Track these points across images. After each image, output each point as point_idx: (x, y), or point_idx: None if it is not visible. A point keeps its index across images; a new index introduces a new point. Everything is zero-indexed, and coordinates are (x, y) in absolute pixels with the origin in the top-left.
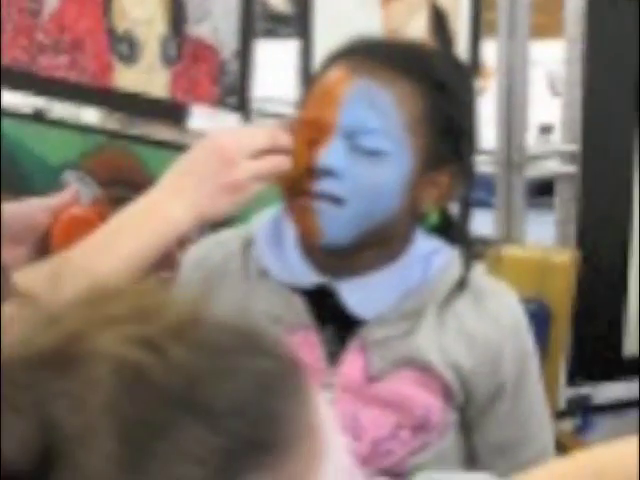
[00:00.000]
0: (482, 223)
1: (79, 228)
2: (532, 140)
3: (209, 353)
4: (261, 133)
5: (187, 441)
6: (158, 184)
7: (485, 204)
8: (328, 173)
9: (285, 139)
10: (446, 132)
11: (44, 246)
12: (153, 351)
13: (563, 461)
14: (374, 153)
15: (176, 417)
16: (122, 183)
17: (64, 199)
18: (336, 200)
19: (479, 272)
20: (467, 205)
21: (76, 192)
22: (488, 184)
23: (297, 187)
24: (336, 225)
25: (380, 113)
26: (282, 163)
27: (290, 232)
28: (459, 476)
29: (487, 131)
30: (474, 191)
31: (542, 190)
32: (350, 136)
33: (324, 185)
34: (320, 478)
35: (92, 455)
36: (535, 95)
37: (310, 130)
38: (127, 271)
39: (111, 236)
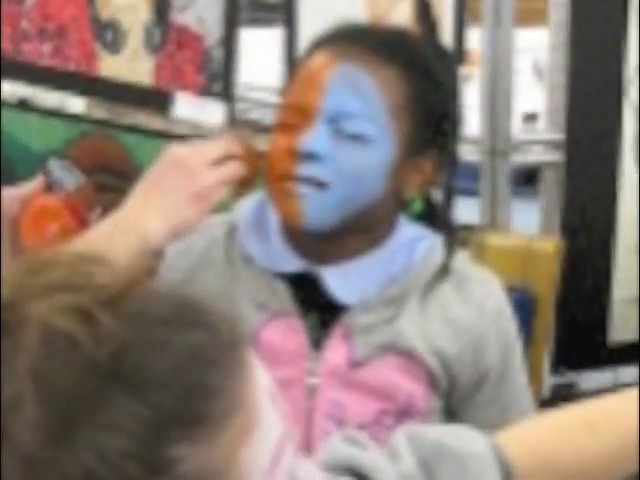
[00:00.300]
0: (467, 211)
1: (48, 218)
2: (517, 127)
3: (141, 324)
4: (215, 143)
5: (112, 411)
6: (127, 202)
7: (470, 192)
8: (312, 157)
9: (236, 147)
10: (430, 118)
11: (14, 235)
12: (84, 320)
13: (554, 413)
14: (357, 138)
15: (104, 387)
16: (106, 171)
17: (33, 188)
18: (320, 184)
19: (463, 259)
20: (450, 192)
21: (45, 182)
22: (473, 172)
23: (281, 171)
24: (319, 210)
25: (364, 98)
26: (238, 168)
27: (273, 218)
28: (438, 429)
29: (473, 118)
30: (459, 179)
31: (527, 178)
32: (334, 121)
33: (308, 169)
34: (251, 450)
35: (20, 423)
36: (521, 83)
37: (294, 115)
38: None
39: (87, 246)
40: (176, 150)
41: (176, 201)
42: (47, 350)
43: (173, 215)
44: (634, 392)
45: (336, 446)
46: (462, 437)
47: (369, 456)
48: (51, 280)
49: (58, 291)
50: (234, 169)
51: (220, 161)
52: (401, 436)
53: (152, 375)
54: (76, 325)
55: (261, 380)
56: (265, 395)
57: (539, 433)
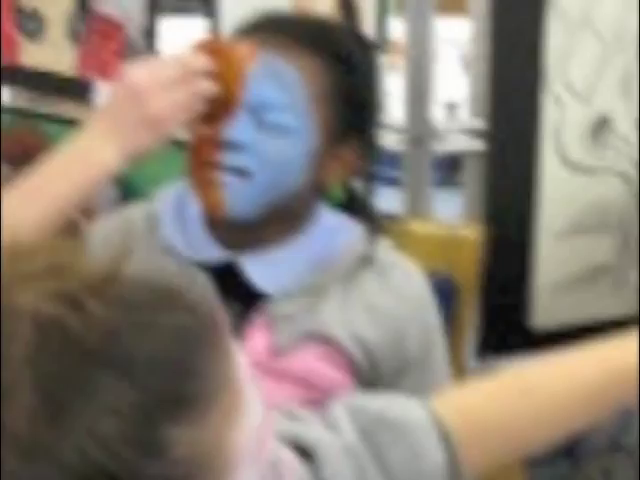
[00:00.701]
0: (389, 200)
1: None
2: (442, 117)
3: (127, 308)
4: (171, 62)
5: (106, 395)
6: (82, 130)
7: (392, 181)
8: (235, 147)
9: (198, 61)
10: (350, 108)
11: None
12: (72, 306)
13: (489, 380)
14: (279, 128)
15: (95, 372)
16: (30, 161)
17: None
18: (242, 173)
19: (384, 247)
20: (372, 180)
21: None
22: (395, 160)
23: (203, 160)
24: (241, 199)
25: (285, 88)
26: (200, 87)
27: (194, 207)
28: (377, 399)
29: (397, 107)
30: (381, 167)
31: (454, 168)
32: (256, 111)
33: (231, 159)
34: (239, 430)
35: (14, 409)
36: (447, 72)
37: (216, 104)
38: (56, 217)
39: (40, 182)
40: (129, 73)
41: (129, 127)
42: (39, 337)
43: (127, 140)
44: (572, 355)
45: (278, 423)
46: (401, 406)
47: (313, 431)
48: (33, 268)
49: (43, 278)
50: (193, 89)
51: (185, 79)
52: (340, 408)
53: (141, 358)
54: (65, 311)
55: (241, 361)
56: (246, 375)
57: (474, 398)
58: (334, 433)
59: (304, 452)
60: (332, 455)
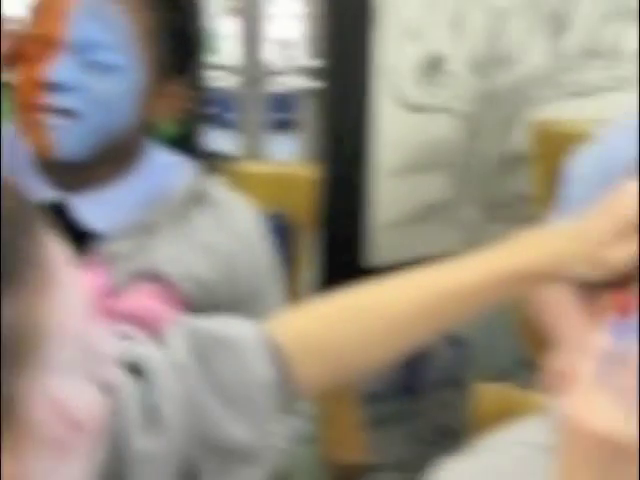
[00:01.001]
0: (227, 142)
1: None
2: (277, 57)
3: None
4: None
5: None
6: None
7: (230, 123)
8: (58, 88)
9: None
10: (178, 45)
11: None
12: None
13: (323, 302)
14: (105, 67)
15: None
16: None
17: None
18: (69, 114)
19: (218, 186)
20: (204, 119)
21: None
22: (233, 102)
23: (28, 102)
24: (70, 139)
25: (110, 27)
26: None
27: (23, 148)
28: (207, 319)
29: (234, 48)
30: (218, 110)
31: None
32: (80, 50)
33: (55, 100)
34: (53, 309)
35: None
36: (281, 12)
37: (37, 45)
38: None
39: None
40: None
41: None
42: None
43: None
44: (409, 276)
45: (111, 342)
46: (233, 326)
47: (144, 349)
48: None
49: None
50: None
51: None
52: (172, 328)
53: None
54: None
55: (57, 246)
56: (63, 260)
57: (307, 319)
58: (165, 350)
59: (134, 369)
60: (162, 371)
